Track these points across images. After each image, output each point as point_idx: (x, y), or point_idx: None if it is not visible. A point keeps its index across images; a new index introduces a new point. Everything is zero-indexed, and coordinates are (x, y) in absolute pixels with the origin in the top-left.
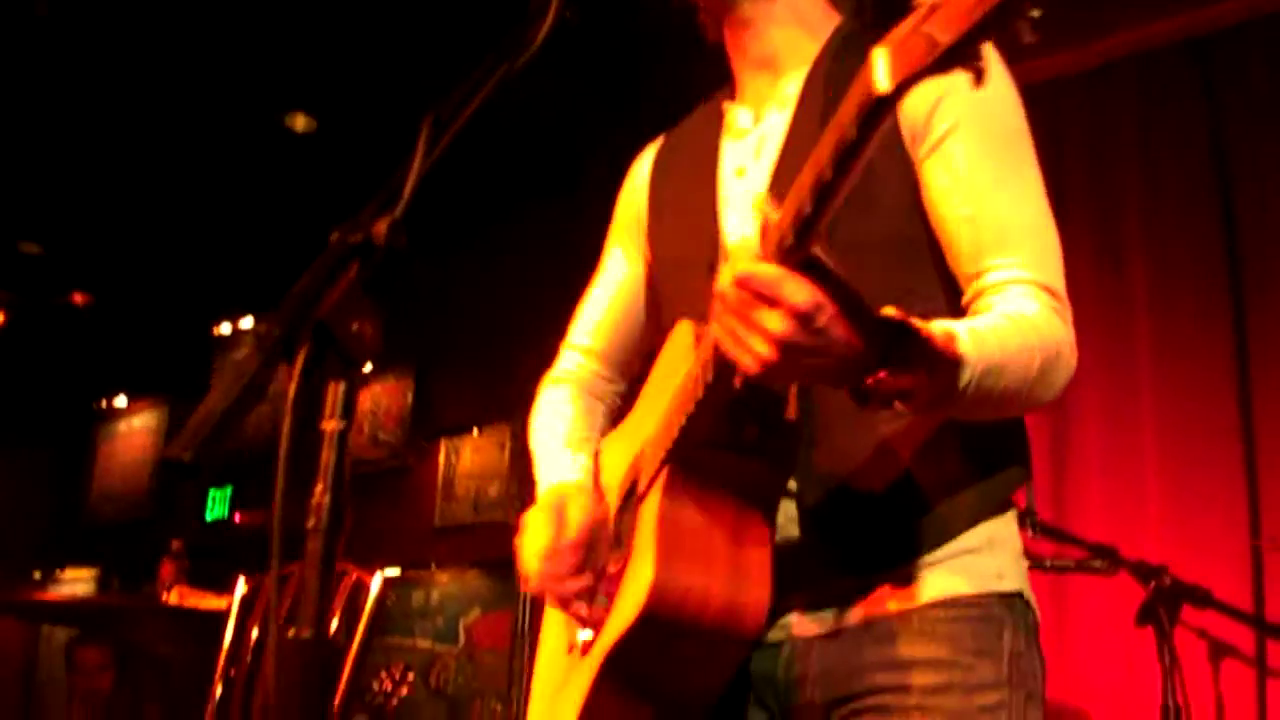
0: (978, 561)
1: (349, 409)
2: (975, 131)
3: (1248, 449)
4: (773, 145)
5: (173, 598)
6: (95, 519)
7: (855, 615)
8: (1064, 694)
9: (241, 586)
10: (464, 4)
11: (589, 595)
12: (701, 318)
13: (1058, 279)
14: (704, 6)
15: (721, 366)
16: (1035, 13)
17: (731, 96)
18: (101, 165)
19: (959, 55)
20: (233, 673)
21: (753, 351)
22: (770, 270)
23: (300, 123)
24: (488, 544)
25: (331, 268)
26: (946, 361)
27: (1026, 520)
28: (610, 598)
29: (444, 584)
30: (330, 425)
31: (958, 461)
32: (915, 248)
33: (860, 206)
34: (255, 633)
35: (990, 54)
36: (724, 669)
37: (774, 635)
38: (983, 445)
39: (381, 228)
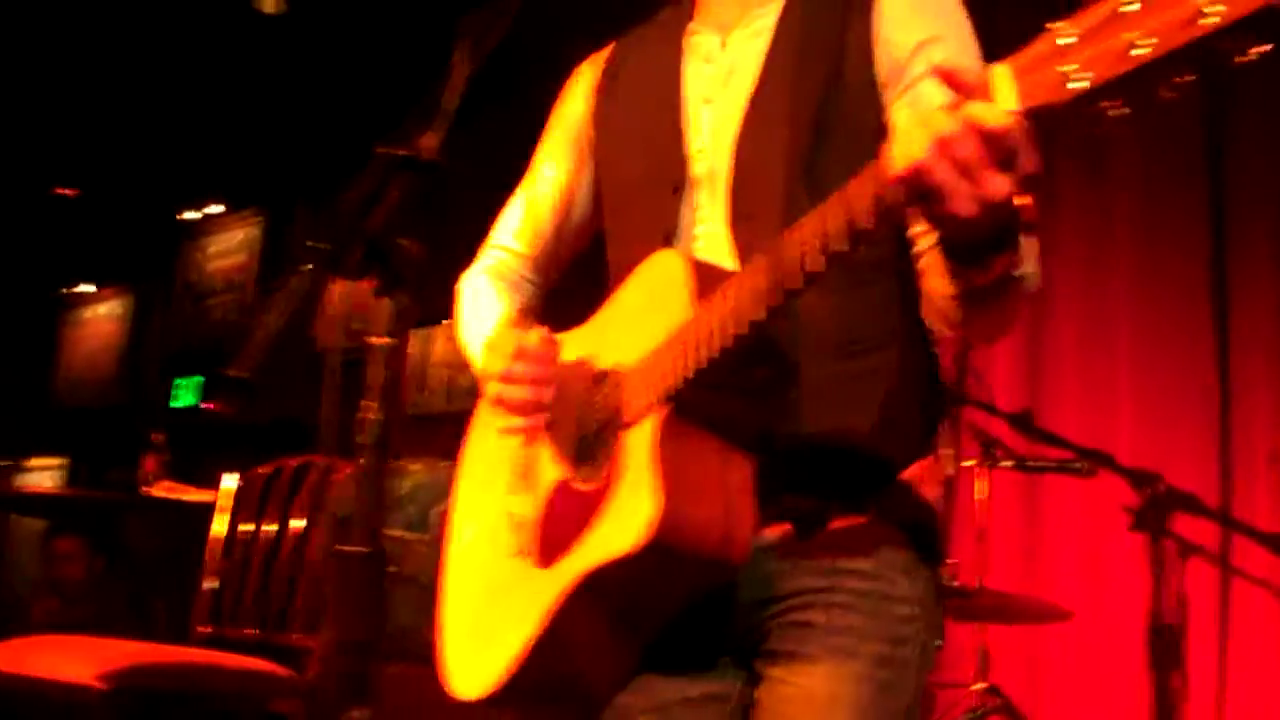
0: (904, 502)
1: (399, 325)
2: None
3: (1221, 355)
4: (744, 77)
5: (158, 491)
6: (62, 406)
7: (791, 530)
8: (1041, 591)
9: (232, 481)
10: None
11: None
12: (660, 237)
13: None
14: None
15: (778, 290)
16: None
17: (690, 14)
18: (64, 50)
19: (1096, 98)
20: (224, 565)
21: (961, 206)
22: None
23: (269, 3)
24: (460, 434)
25: (378, 182)
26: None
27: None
28: (575, 513)
29: (416, 474)
30: (379, 341)
31: (910, 405)
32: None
33: (844, 143)
34: (248, 527)
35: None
36: (700, 593)
37: None
38: (928, 392)
39: (431, 142)
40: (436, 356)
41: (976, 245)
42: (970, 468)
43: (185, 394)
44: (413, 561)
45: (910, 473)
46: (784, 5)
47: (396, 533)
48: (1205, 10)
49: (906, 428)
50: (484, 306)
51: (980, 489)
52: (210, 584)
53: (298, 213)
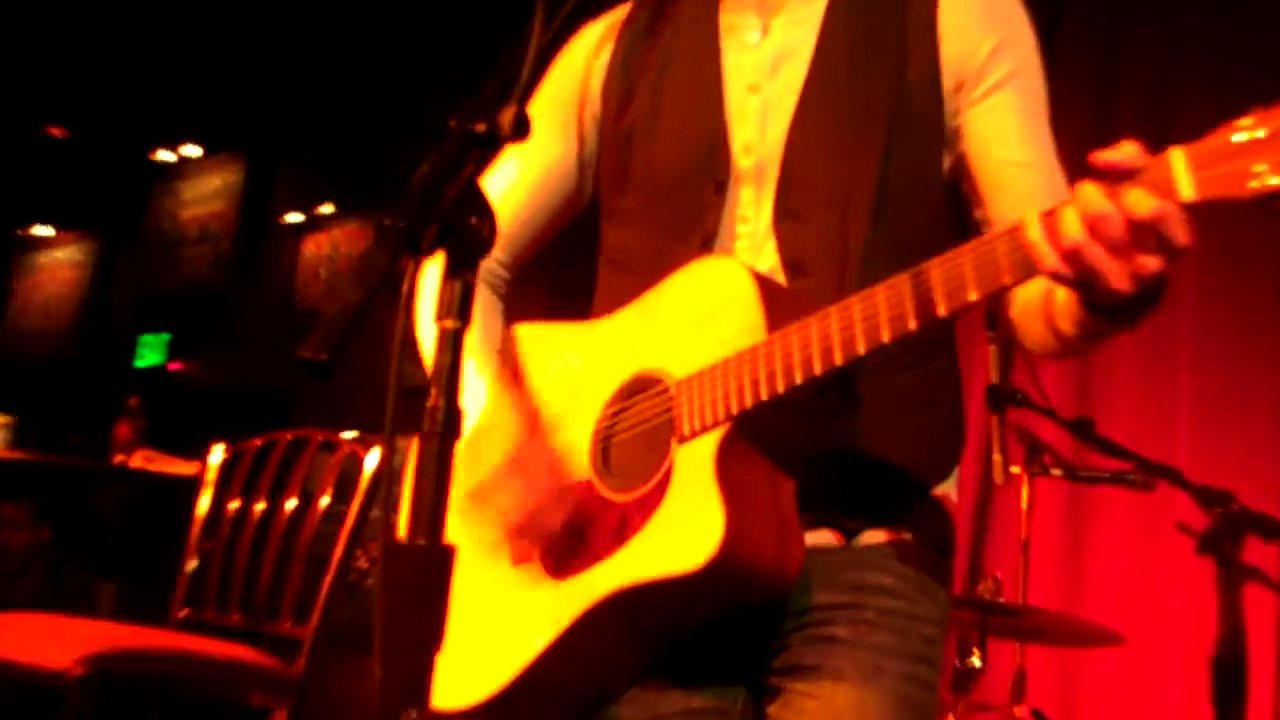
0: (931, 520)
1: (465, 308)
2: (1029, 86)
3: None
4: (795, 66)
5: (136, 461)
6: (11, 358)
7: (813, 546)
8: (1085, 610)
9: (218, 453)
10: None
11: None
12: (699, 239)
13: None
14: None
15: (876, 330)
16: None
17: None
18: None
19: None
20: (208, 545)
21: (1117, 283)
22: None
23: None
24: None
25: (453, 158)
26: None
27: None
28: (605, 522)
29: (404, 450)
30: (447, 324)
31: (942, 424)
32: (937, 199)
33: (910, 146)
34: (235, 505)
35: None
36: (744, 611)
37: None
38: (954, 413)
39: (508, 117)
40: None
41: (1120, 306)
42: (1016, 475)
43: (151, 352)
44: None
45: (941, 488)
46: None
47: (376, 513)
48: None
49: (946, 441)
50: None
51: (1023, 497)
52: (192, 565)
53: (284, 163)
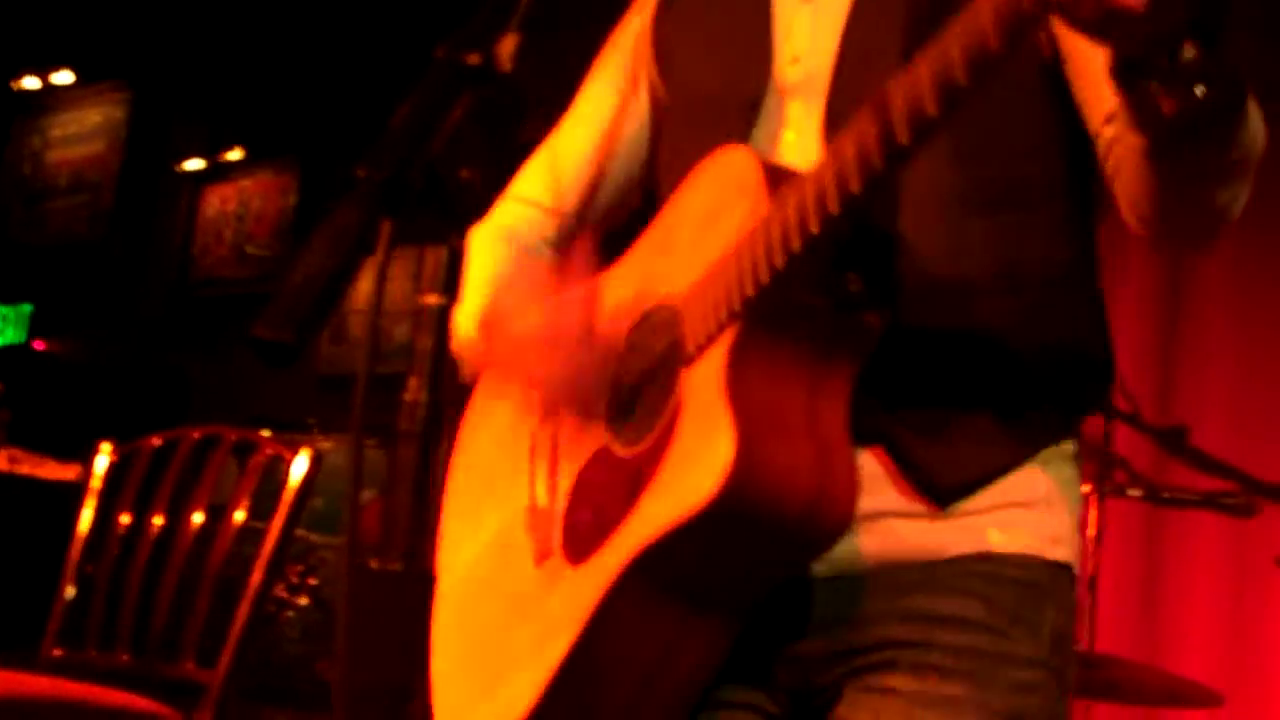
0: (1029, 518)
1: (453, 281)
2: None
3: None
4: None
5: (1, 462)
6: None
7: (869, 557)
8: (1167, 661)
9: (105, 455)
10: None
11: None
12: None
13: None
14: None
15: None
16: None
17: None
18: None
19: None
20: (90, 569)
21: None
22: None
23: None
24: (385, 404)
25: (441, 96)
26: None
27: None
28: (618, 487)
29: (328, 452)
30: (430, 300)
31: (1070, 373)
32: (1023, 85)
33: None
34: (125, 519)
35: None
36: (783, 575)
37: None
38: (1092, 363)
39: (508, 47)
40: (360, 301)
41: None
42: (1084, 495)
43: (10, 326)
44: (321, 575)
45: (1065, 444)
46: None
47: (298, 531)
48: None
49: (1062, 400)
50: (479, 264)
51: (1090, 522)
52: (70, 593)
53: (181, 96)
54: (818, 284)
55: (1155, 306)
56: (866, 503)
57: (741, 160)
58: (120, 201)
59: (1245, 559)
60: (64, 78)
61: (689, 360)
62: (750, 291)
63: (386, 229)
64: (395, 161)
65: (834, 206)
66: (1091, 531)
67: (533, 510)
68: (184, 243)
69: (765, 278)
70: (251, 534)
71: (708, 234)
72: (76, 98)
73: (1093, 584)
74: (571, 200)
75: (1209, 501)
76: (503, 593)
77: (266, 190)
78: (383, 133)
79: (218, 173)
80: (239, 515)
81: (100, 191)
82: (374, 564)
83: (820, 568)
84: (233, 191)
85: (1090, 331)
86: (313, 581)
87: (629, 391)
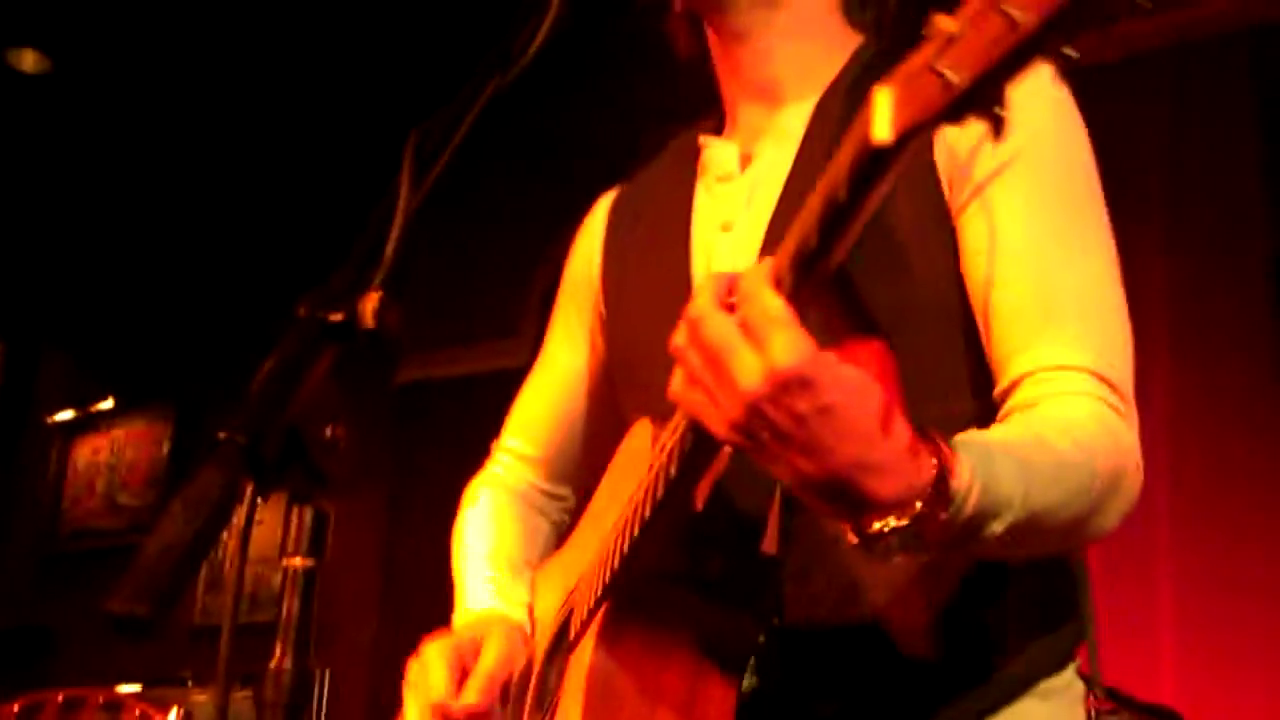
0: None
1: (318, 543)
2: (1029, 175)
3: None
4: (768, 192)
5: None
6: None
7: None
8: None
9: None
10: None
11: None
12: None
13: (1124, 372)
14: (685, 7)
15: (687, 458)
16: (1070, 52)
17: (717, 131)
18: None
19: (975, 101)
20: None
21: (718, 405)
22: (773, 303)
23: (29, 61)
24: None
25: (301, 354)
26: (983, 509)
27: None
28: None
29: (200, 705)
30: (294, 562)
31: (1000, 611)
32: (948, 324)
33: (885, 269)
34: None
35: (1048, 80)
36: None
37: None
38: (1035, 588)
39: (370, 304)
40: (234, 545)
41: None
42: None
43: None
44: None
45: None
46: (817, 104)
47: None
48: None
49: (978, 607)
50: (476, 550)
51: None
52: None
53: (50, 348)
54: (677, 563)
55: None
56: None
57: (641, 431)
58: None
59: None
60: None
61: (572, 645)
62: (608, 579)
63: (250, 490)
64: (255, 424)
65: (674, 470)
66: None
67: None
68: (54, 495)
69: (618, 556)
70: None
71: (610, 511)
72: None
73: None
74: (551, 445)
75: None
76: None
77: (139, 439)
78: (243, 394)
79: (88, 423)
80: None
81: None
82: None
83: None
84: (104, 441)
85: None
86: None
87: (546, 673)
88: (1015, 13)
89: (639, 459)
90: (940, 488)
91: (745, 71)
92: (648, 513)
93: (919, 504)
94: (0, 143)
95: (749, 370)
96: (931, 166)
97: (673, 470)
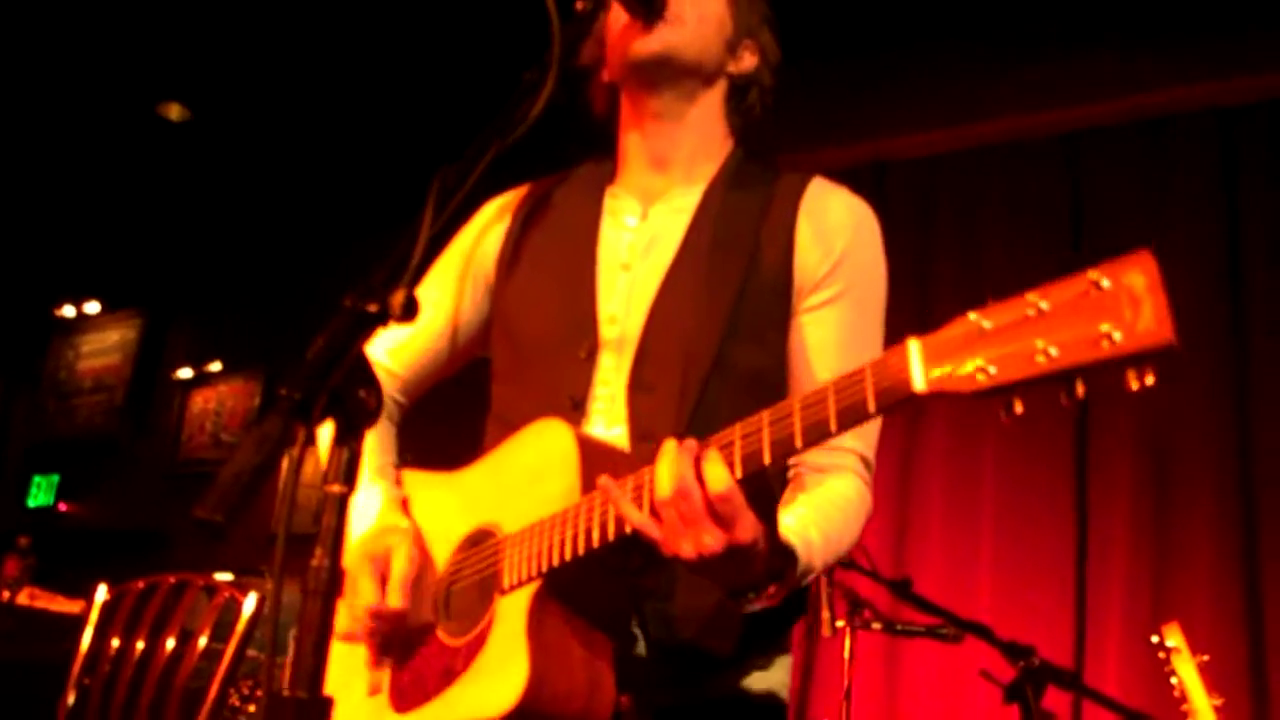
0: (766, 676)
1: (351, 474)
2: (857, 303)
3: (1080, 528)
4: (665, 249)
5: (23, 598)
6: None
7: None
8: None
9: (103, 593)
10: None
11: (401, 641)
12: (567, 401)
13: (873, 446)
14: (617, 78)
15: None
16: (1080, 390)
17: (611, 178)
18: None
19: (1000, 393)
20: (87, 681)
21: (679, 541)
22: (737, 496)
23: (174, 112)
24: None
25: (344, 334)
26: (805, 574)
27: (900, 588)
28: (438, 663)
29: (271, 591)
30: (333, 489)
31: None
32: (776, 386)
33: (751, 336)
34: (116, 642)
35: (867, 211)
36: None
37: None
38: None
39: (399, 299)
40: (306, 475)
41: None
42: (840, 629)
43: (42, 492)
44: (271, 685)
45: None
46: (706, 189)
47: (254, 652)
48: (1112, 336)
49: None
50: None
51: (846, 649)
52: (70, 699)
53: (177, 322)
54: (607, 558)
55: (892, 490)
56: None
57: (564, 440)
58: (129, 400)
59: (959, 675)
60: (92, 307)
61: (504, 591)
62: (556, 562)
63: (302, 433)
64: (307, 385)
65: (626, 529)
66: (847, 656)
67: (372, 650)
68: (175, 433)
69: (568, 556)
70: (213, 654)
71: (531, 490)
72: (101, 322)
73: (847, 695)
74: (412, 368)
75: (929, 633)
76: (347, 706)
77: (237, 394)
78: (301, 360)
79: (202, 380)
80: (203, 640)
81: (114, 392)
82: (285, 692)
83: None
84: (213, 394)
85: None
86: (261, 693)
87: (458, 594)
88: (1048, 348)
89: (559, 460)
90: (789, 577)
91: (650, 142)
92: (611, 536)
93: (774, 588)
94: (149, 178)
95: (714, 540)
96: (789, 268)
97: (626, 529)
